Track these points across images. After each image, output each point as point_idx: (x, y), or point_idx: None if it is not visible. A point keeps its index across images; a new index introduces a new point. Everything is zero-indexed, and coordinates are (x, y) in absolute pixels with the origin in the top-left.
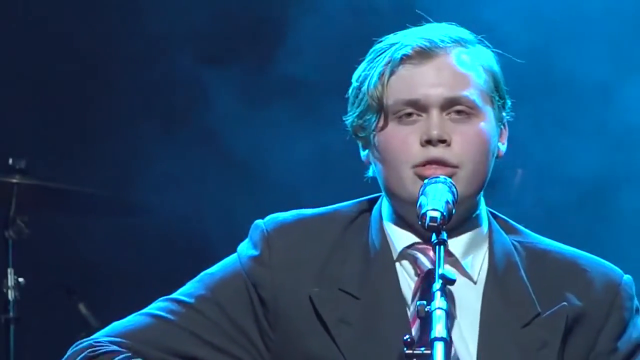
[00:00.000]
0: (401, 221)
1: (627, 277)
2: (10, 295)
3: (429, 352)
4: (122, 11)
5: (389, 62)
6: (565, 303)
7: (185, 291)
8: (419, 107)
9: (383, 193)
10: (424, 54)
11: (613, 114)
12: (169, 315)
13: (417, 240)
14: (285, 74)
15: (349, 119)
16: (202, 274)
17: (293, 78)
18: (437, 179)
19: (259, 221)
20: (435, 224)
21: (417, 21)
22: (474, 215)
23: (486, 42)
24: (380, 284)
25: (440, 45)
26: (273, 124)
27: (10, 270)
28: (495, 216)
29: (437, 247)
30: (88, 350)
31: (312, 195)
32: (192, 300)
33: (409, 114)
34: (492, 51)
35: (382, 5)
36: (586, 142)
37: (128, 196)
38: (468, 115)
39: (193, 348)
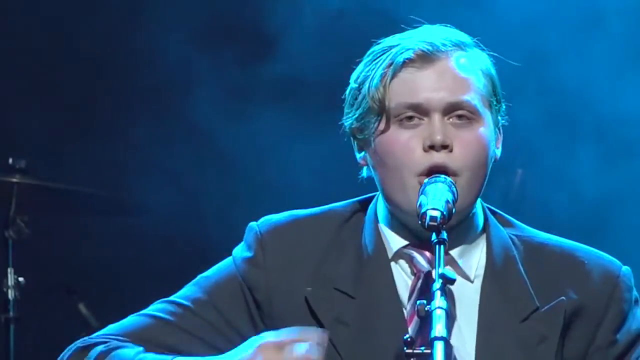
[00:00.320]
0: (397, 222)
1: (625, 269)
2: (10, 295)
3: (429, 351)
4: (122, 11)
5: (390, 65)
6: (563, 297)
7: (183, 294)
8: (421, 111)
9: (380, 195)
10: (426, 57)
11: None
12: (167, 316)
13: (413, 240)
14: (286, 74)
15: (347, 120)
16: (198, 277)
17: (293, 78)
18: (437, 179)
19: (252, 223)
20: (436, 224)
21: (407, 25)
22: (470, 215)
23: (482, 45)
24: (376, 283)
25: (442, 49)
26: (273, 125)
27: (10, 270)
28: (492, 212)
29: (437, 246)
30: (102, 345)
31: (312, 195)
32: (189, 303)
33: (410, 118)
34: (488, 54)
35: (380, 7)
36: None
37: (128, 196)
38: (469, 120)
39: (192, 347)
